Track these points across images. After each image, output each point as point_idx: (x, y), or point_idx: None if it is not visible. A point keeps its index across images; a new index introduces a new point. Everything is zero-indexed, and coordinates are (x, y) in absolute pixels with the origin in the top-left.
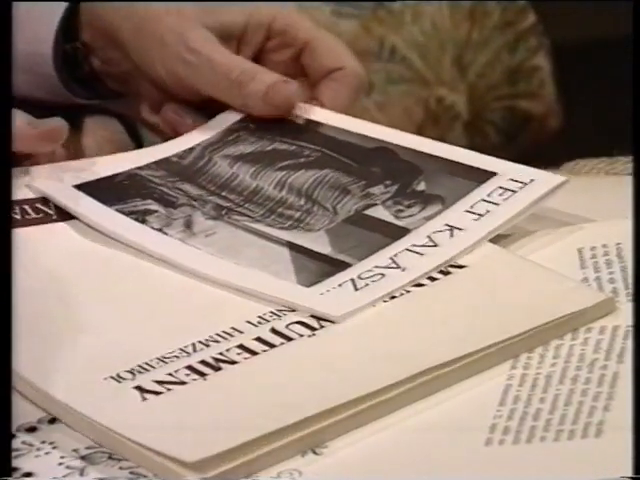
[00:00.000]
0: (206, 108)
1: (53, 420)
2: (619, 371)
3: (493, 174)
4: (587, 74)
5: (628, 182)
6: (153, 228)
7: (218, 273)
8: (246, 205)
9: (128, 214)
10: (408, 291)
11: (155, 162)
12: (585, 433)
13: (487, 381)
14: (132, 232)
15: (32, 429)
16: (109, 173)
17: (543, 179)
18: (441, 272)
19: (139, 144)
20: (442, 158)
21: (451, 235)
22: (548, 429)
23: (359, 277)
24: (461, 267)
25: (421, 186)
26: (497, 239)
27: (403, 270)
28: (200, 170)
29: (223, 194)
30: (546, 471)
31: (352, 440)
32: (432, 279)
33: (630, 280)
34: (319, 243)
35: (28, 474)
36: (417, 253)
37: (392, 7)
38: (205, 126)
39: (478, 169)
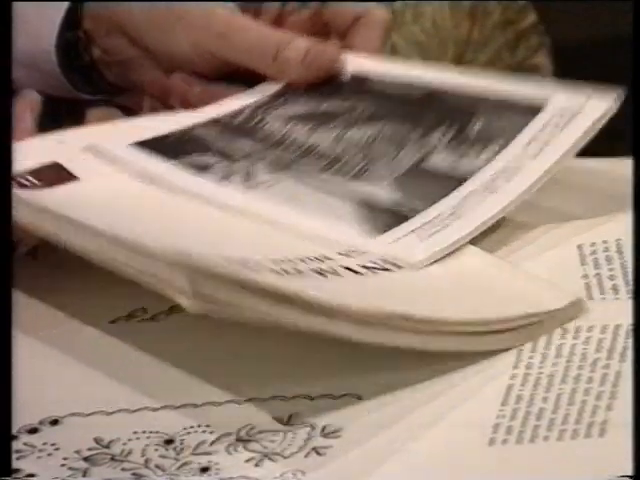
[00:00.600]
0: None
1: (55, 421)
2: (621, 370)
3: (544, 105)
4: (587, 73)
5: (628, 181)
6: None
7: (284, 219)
8: (305, 159)
9: (187, 167)
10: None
11: (205, 122)
12: (589, 432)
13: (489, 381)
14: (192, 183)
15: (34, 430)
16: (162, 132)
17: (594, 104)
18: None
19: None
20: (492, 96)
21: (509, 179)
22: (551, 428)
23: (425, 226)
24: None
25: (477, 128)
26: (495, 234)
27: (468, 216)
28: (254, 128)
29: (280, 149)
30: (550, 471)
31: (356, 440)
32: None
33: (630, 277)
34: (382, 193)
35: (30, 475)
36: (479, 198)
37: (393, 6)
38: (250, 91)
39: (529, 102)
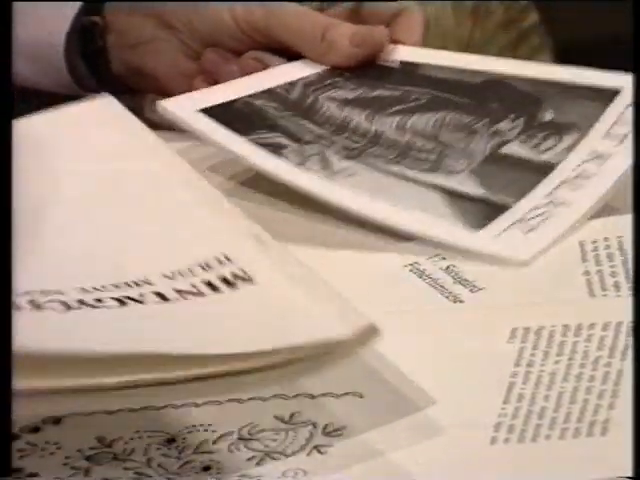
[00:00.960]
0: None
1: (58, 420)
2: (623, 368)
3: (617, 91)
4: None
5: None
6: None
7: (379, 214)
8: (374, 148)
9: (263, 145)
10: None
11: (263, 92)
12: (590, 431)
13: (490, 379)
14: (276, 166)
15: (36, 429)
16: (226, 99)
17: None
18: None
19: None
20: (558, 82)
21: (600, 164)
22: (553, 427)
23: (524, 219)
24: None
25: (548, 115)
26: None
27: (567, 206)
28: (311, 108)
29: (346, 135)
30: (552, 469)
31: (357, 440)
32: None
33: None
34: (468, 185)
35: (32, 474)
36: (572, 187)
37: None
38: (293, 64)
39: (600, 88)
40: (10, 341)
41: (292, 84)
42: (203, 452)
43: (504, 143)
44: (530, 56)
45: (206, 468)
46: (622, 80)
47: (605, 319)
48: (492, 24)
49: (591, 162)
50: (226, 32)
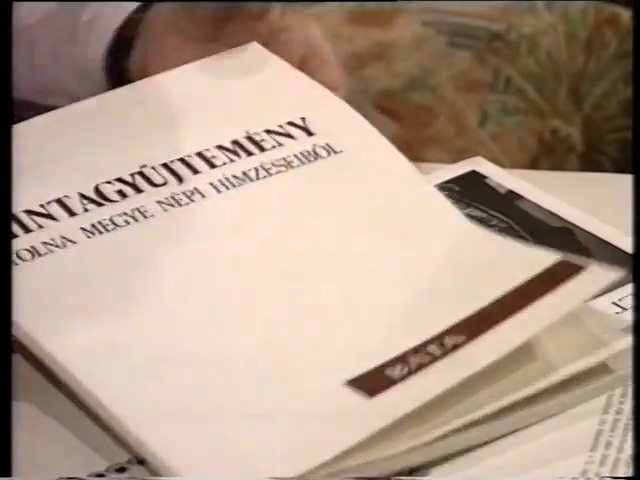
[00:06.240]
0: None
1: (142, 461)
2: None
3: None
4: None
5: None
6: None
7: None
8: None
9: None
10: None
11: None
12: None
13: (578, 426)
14: None
15: (122, 469)
16: None
17: None
18: None
19: None
20: (616, 246)
21: None
22: None
23: None
24: None
25: None
26: None
27: None
28: None
29: None
30: None
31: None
32: None
33: None
34: None
35: None
36: None
37: (507, 38)
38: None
39: None
40: (10, 340)
41: None
42: None
43: None
44: None
45: None
46: None
47: None
48: (606, 56)
49: None
50: None
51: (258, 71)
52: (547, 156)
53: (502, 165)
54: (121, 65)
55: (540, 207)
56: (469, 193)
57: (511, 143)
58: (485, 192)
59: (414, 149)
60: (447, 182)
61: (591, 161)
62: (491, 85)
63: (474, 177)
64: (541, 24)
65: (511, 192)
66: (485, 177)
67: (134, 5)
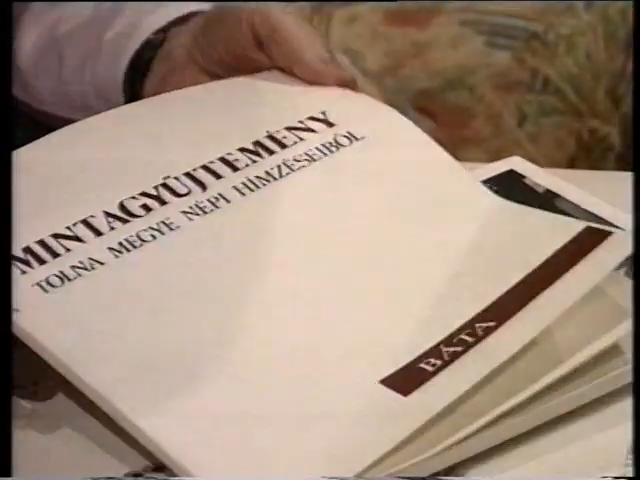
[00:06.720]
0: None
1: (161, 468)
2: None
3: None
4: None
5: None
6: None
7: None
8: None
9: None
10: None
11: None
12: None
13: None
14: None
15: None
16: None
17: None
18: None
19: None
20: None
21: None
22: None
23: None
24: None
25: None
26: None
27: None
28: None
29: None
30: None
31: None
32: None
33: None
34: None
35: None
36: None
37: (546, 38)
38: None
39: None
40: (10, 340)
41: None
42: None
43: None
44: None
45: None
46: None
47: None
48: None
49: None
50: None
51: (278, 83)
52: (585, 156)
53: (540, 165)
54: (137, 85)
55: (578, 206)
56: (507, 192)
57: (549, 143)
58: (523, 191)
59: (451, 149)
60: (485, 181)
61: (629, 161)
62: (529, 85)
63: (512, 176)
64: (580, 24)
65: (549, 191)
66: (523, 176)
67: (157, 25)
